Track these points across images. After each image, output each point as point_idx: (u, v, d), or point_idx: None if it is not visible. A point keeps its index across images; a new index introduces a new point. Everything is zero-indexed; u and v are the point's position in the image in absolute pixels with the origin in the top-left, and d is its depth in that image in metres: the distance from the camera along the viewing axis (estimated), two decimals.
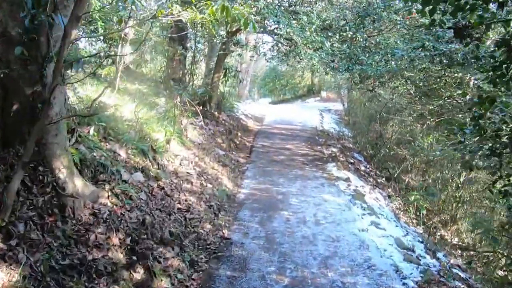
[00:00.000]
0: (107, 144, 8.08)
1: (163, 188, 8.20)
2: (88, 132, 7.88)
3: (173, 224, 7.16)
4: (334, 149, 17.65)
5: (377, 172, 18.14)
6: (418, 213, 13.60)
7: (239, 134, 18.46)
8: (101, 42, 15.23)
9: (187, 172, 9.76)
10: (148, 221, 6.53)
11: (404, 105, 17.39)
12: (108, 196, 6.46)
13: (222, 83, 19.75)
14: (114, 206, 6.35)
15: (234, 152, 15.23)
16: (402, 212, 13.08)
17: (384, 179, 17.22)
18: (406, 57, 11.83)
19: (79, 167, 6.54)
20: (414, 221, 13.05)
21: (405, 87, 16.00)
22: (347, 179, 13.20)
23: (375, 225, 9.67)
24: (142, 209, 6.82)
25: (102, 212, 5.94)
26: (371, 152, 20.10)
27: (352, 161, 17.06)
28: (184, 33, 16.66)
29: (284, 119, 25.39)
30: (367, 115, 21.16)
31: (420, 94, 15.23)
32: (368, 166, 18.08)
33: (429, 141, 12.52)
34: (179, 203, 8.11)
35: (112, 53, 15.12)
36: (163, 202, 7.68)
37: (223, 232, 7.98)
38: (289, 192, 11.15)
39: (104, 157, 7.45)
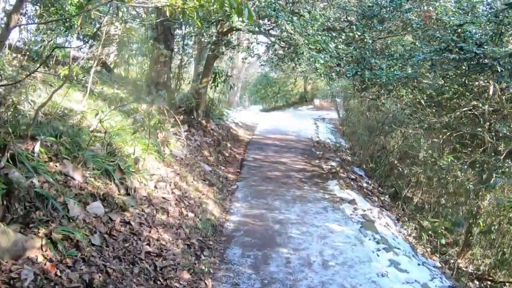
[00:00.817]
0: (58, 164, 6.07)
1: (128, 222, 6.18)
2: (32, 149, 5.90)
3: (136, 280, 5.13)
4: (334, 163, 15.72)
5: (380, 189, 16.22)
6: (431, 238, 11.67)
7: (229, 145, 16.48)
8: (79, 40, 13.39)
9: (164, 198, 7.75)
10: (97, 282, 4.50)
11: (411, 116, 15.46)
12: (42, 246, 4.46)
13: (211, 88, 17.83)
14: (47, 263, 4.34)
15: (222, 167, 13.24)
16: (414, 239, 11.14)
17: (387, 196, 15.31)
18: (427, 61, 9.91)
19: (4, 203, 4.57)
20: (428, 248, 11.11)
21: (411, 96, 14.14)
22: (352, 201, 11.27)
23: (395, 266, 7.78)
24: (91, 262, 4.78)
25: (23, 276, 3.92)
26: (371, 166, 18.19)
27: (353, 177, 15.12)
28: (170, 27, 14.84)
29: (277, 128, 23.45)
30: (367, 125, 19.23)
31: (432, 104, 13.33)
32: (370, 182, 16.15)
33: (449, 159, 10.59)
34: (149, 244, 6.08)
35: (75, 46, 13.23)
36: (126, 245, 5.64)
37: (205, 284, 5.98)
38: (287, 220, 9.19)
39: (49, 184, 5.46)
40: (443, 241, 10.86)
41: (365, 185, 15.12)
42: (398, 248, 9.03)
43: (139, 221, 6.51)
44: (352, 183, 13.85)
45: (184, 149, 11.83)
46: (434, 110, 13.54)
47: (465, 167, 10.93)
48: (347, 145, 21.88)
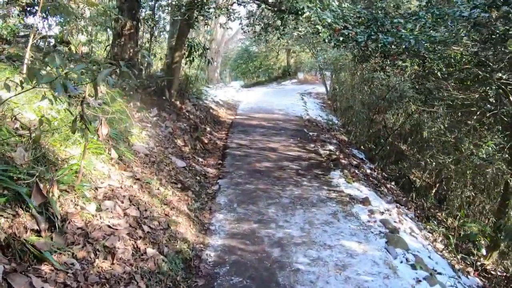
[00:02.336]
0: None
1: None
2: None
3: None
4: (331, 147, 13.07)
5: (384, 174, 13.67)
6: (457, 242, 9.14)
7: (208, 129, 13.72)
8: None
9: (110, 226, 5.01)
10: None
11: (421, 91, 12.83)
12: None
13: (186, 64, 15.03)
14: None
15: (200, 159, 10.51)
16: (445, 247, 8.59)
17: (394, 183, 12.78)
18: (467, 21, 7.19)
19: None
20: (457, 256, 8.56)
21: (416, 67, 11.55)
22: (365, 200, 8.67)
23: None
24: None
25: None
26: (370, 146, 15.60)
27: (355, 162, 12.51)
28: None
29: (261, 106, 20.69)
30: (365, 101, 16.56)
31: (450, 77, 10.71)
32: (373, 167, 13.57)
33: (489, 147, 7.97)
34: None
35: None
36: None
37: None
38: (289, 239, 6.52)
39: None
40: (483, 251, 8.32)
41: (368, 171, 12.56)
42: (439, 273, 6.50)
43: (63, 280, 3.80)
44: (357, 171, 11.22)
45: (151, 140, 9.09)
46: (453, 84, 10.95)
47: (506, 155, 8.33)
48: (339, 122, 19.27)
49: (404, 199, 11.31)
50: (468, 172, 10.08)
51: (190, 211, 7.02)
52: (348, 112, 18.91)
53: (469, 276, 7.69)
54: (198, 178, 8.90)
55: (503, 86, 9.03)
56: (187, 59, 14.66)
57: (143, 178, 6.92)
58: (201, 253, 5.85)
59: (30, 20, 11.10)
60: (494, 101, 10.10)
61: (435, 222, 9.67)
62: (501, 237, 8.59)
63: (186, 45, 14.25)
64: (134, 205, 5.79)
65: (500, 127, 9.88)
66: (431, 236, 8.81)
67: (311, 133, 14.67)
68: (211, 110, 16.48)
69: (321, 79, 29.09)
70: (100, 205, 5.23)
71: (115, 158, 6.57)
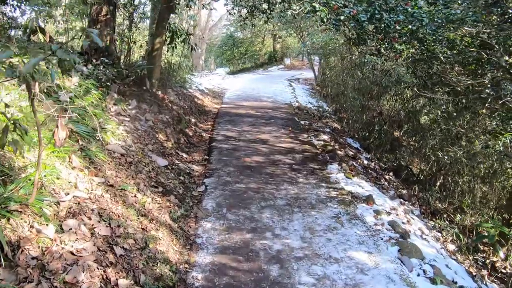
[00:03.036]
0: None
1: None
2: None
3: None
4: (325, 137, 12.11)
5: (381, 164, 12.74)
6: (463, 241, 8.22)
7: (193, 120, 12.67)
8: None
9: (74, 252, 3.99)
10: None
11: (415, 75, 11.85)
12: None
13: (168, 51, 13.98)
14: None
15: (184, 154, 9.48)
16: (458, 250, 7.68)
17: (392, 174, 11.85)
18: None
19: None
20: (469, 257, 7.64)
21: (413, 51, 10.64)
22: (368, 199, 7.73)
23: None
24: None
25: None
26: (364, 134, 14.65)
27: (351, 153, 11.57)
28: None
29: (249, 93, 19.64)
30: (358, 87, 15.55)
31: (454, 61, 9.77)
32: (369, 157, 12.64)
33: (507, 139, 6.99)
34: None
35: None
36: None
37: None
38: (288, 252, 5.54)
39: None
40: (502, 254, 7.39)
41: (366, 162, 11.63)
42: (461, 286, 5.58)
43: None
44: (355, 164, 10.28)
45: (129, 136, 8.05)
46: (456, 69, 10.01)
47: None
48: (330, 109, 18.29)
49: (405, 192, 10.39)
50: (481, 166, 9.11)
51: (173, 221, 6.01)
52: (340, 98, 17.93)
53: (487, 283, 6.80)
54: (181, 178, 7.87)
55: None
56: (169, 45, 13.59)
57: (118, 184, 5.91)
58: (186, 275, 4.84)
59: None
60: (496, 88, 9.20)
61: (445, 221, 8.74)
62: None
63: (167, 30, 13.18)
64: (104, 221, 4.78)
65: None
66: (441, 236, 7.89)
67: (302, 122, 13.69)
68: (195, 100, 15.41)
69: (309, 64, 28.10)
70: (61, 226, 4.22)
71: (77, 166, 5.52)
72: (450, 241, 7.83)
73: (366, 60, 15.52)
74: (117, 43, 13.61)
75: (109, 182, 5.82)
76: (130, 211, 5.49)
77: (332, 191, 7.84)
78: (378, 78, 14.53)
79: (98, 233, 4.46)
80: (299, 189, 7.83)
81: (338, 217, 6.74)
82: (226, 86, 22.05)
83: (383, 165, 12.74)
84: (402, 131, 15.12)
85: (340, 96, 18.00)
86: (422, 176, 10.76)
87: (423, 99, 13.80)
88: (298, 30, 26.12)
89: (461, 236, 7.90)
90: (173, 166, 8.21)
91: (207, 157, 9.54)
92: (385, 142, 14.19)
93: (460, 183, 9.93)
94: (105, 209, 4.99)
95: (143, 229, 5.23)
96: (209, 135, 11.60)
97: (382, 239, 6.21)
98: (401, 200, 9.08)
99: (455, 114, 10.61)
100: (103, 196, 5.32)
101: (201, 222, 6.30)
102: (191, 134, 11.31)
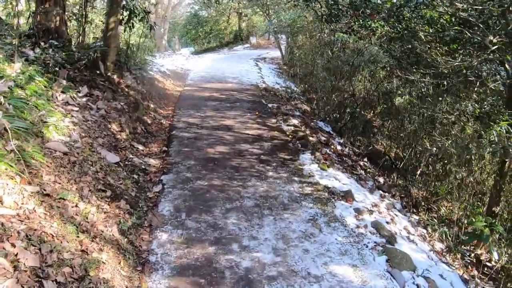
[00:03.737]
0: None
1: None
2: None
3: None
4: (295, 121, 11.14)
5: (355, 149, 11.88)
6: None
7: (152, 105, 11.53)
8: None
9: None
10: None
11: (391, 55, 10.95)
12: None
13: (125, 31, 12.74)
14: None
15: (140, 146, 8.36)
16: (440, 244, 6.86)
17: (366, 159, 10.99)
18: None
19: None
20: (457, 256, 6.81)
21: (386, 29, 9.79)
22: (347, 194, 6.83)
23: None
24: None
25: None
26: (336, 117, 13.73)
27: (324, 138, 10.63)
28: None
29: (213, 74, 18.47)
30: (328, 67, 14.58)
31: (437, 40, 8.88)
32: (342, 141, 11.75)
33: (503, 128, 6.07)
34: None
35: None
36: None
37: None
38: (260, 271, 4.55)
39: None
40: (496, 256, 6.56)
41: (339, 147, 10.73)
42: None
43: None
44: (328, 152, 9.35)
45: (76, 129, 6.91)
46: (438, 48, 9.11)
47: None
48: (298, 89, 17.31)
49: (383, 181, 9.55)
50: (473, 158, 8.24)
51: (122, 234, 4.96)
52: (309, 79, 16.97)
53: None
54: (135, 176, 6.79)
55: (498, 53, 7.22)
56: (126, 25, 12.35)
57: (56, 192, 4.83)
58: None
59: None
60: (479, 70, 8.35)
61: (428, 215, 7.91)
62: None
63: (122, 9, 11.96)
64: (34, 245, 3.72)
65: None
66: (427, 234, 7.04)
67: (270, 105, 12.67)
68: (156, 83, 14.22)
69: (275, 43, 27.05)
70: None
71: (7, 173, 4.42)
72: (437, 238, 6.99)
73: (336, 39, 14.59)
74: (70, 23, 12.33)
75: (45, 190, 4.73)
76: (68, 227, 4.43)
77: (306, 187, 6.89)
78: (349, 58, 13.59)
79: (24, 264, 3.40)
80: (269, 185, 6.84)
81: (315, 220, 5.79)
82: (189, 67, 20.83)
83: (356, 150, 11.90)
84: (375, 113, 14.28)
85: (309, 76, 17.06)
86: (401, 164, 9.90)
87: (397, 80, 12.99)
88: (264, 7, 25.03)
89: (448, 233, 7.07)
90: (126, 162, 7.11)
91: (166, 149, 8.46)
92: (358, 125, 13.35)
93: (437, 168, 9.09)
94: (35, 229, 3.92)
95: (83, 251, 4.18)
96: (169, 122, 10.49)
97: (367, 246, 5.29)
98: (381, 192, 8.20)
99: (434, 96, 9.76)
100: (35, 211, 4.25)
101: (156, 233, 5.27)
102: (149, 122, 10.19)
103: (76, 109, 7.79)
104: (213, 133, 9.48)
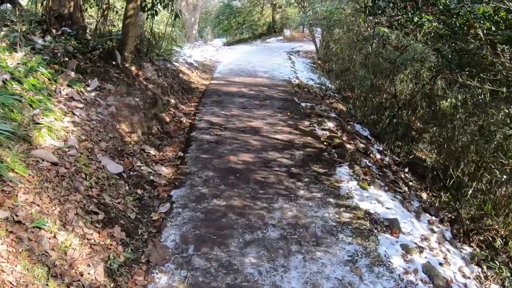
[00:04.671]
0: None
1: None
2: None
3: None
4: (330, 124, 9.86)
5: (394, 156, 10.56)
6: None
7: (173, 101, 10.38)
8: None
9: None
10: None
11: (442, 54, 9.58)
12: None
13: (147, 18, 11.66)
14: None
15: (152, 151, 7.21)
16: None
17: (407, 170, 9.68)
18: None
19: None
20: None
21: (435, 24, 8.49)
22: (392, 224, 5.56)
23: None
24: None
25: None
26: (374, 119, 12.37)
27: (362, 145, 9.35)
28: None
29: (243, 66, 17.24)
30: (367, 64, 13.21)
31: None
32: (381, 148, 10.44)
33: None
34: None
35: None
36: None
37: None
38: None
39: None
40: None
41: (378, 156, 9.43)
42: None
43: None
44: (368, 164, 8.08)
45: (75, 131, 5.81)
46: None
47: None
48: (333, 86, 15.98)
49: (425, 196, 8.25)
50: None
51: (109, 277, 3.83)
52: (345, 75, 15.63)
53: None
54: (139, 191, 5.64)
55: None
56: (148, 12, 11.26)
57: (30, 219, 3.75)
58: None
59: None
60: None
61: (482, 247, 6.60)
62: None
63: None
64: None
65: None
66: (481, 272, 5.74)
67: (303, 104, 11.39)
68: (180, 75, 13.06)
69: (309, 36, 25.69)
70: None
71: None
72: (492, 279, 5.68)
73: (376, 34, 13.21)
74: (91, 9, 11.28)
75: (16, 216, 3.65)
76: (36, 271, 3.33)
77: (344, 212, 5.64)
78: (391, 55, 12.21)
79: None
80: (299, 208, 5.61)
81: (354, 262, 4.55)
82: (219, 59, 19.64)
83: (396, 158, 10.58)
84: (417, 117, 12.87)
85: (346, 73, 15.70)
86: (452, 181, 8.53)
87: (442, 82, 11.63)
88: None
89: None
90: (131, 173, 5.96)
91: (182, 154, 7.29)
92: (398, 129, 11.99)
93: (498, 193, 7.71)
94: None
95: None
96: (190, 121, 9.32)
97: None
98: (428, 215, 6.92)
99: (491, 105, 8.39)
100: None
101: (154, 274, 4.11)
102: (167, 120, 9.06)
103: (81, 105, 6.71)
104: (237, 137, 8.27)
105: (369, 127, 11.92)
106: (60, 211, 4.25)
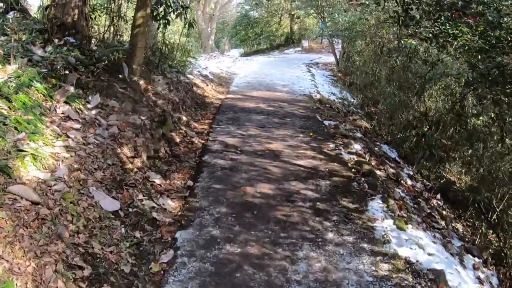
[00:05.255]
0: None
1: None
2: None
3: None
4: (357, 146, 8.89)
5: (425, 181, 9.58)
6: None
7: (185, 118, 9.48)
8: None
9: None
10: None
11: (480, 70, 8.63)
12: None
13: (158, 29, 10.87)
14: None
15: (157, 179, 6.26)
16: None
17: (439, 196, 8.73)
18: None
19: None
20: None
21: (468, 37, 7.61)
22: (438, 277, 4.56)
23: None
24: None
25: None
26: (402, 138, 11.34)
27: (392, 170, 8.39)
28: None
29: (261, 79, 16.34)
30: (394, 79, 12.22)
31: None
32: (412, 173, 9.45)
33: None
34: None
35: None
36: None
37: None
38: None
39: None
40: None
41: (409, 182, 8.45)
42: None
43: None
44: (402, 194, 7.10)
45: (68, 158, 4.93)
46: None
47: None
48: (355, 101, 15.02)
49: (460, 228, 7.28)
50: None
51: None
52: (369, 90, 14.64)
53: None
54: (138, 234, 4.70)
55: None
56: (160, 21, 10.44)
57: None
58: None
59: None
60: None
61: None
62: None
63: (156, 3, 10.09)
64: None
65: None
66: None
67: (327, 123, 10.43)
68: (194, 88, 12.18)
69: (328, 47, 24.79)
70: None
71: None
72: None
73: (404, 46, 12.23)
74: (100, 18, 10.47)
75: None
76: None
77: (381, 263, 4.65)
78: (420, 69, 11.22)
79: None
80: (328, 258, 4.63)
81: None
82: (236, 70, 18.76)
83: (427, 182, 9.59)
84: (447, 136, 11.82)
85: (369, 87, 14.71)
86: (495, 214, 7.51)
87: (472, 98, 10.67)
88: (319, 9, 22.81)
89: None
90: (129, 209, 5.04)
91: (192, 183, 6.36)
92: (433, 151, 11.00)
93: None
94: None
95: None
96: (202, 142, 8.41)
97: None
98: (472, 259, 5.94)
99: None
100: None
101: None
102: (178, 141, 8.15)
103: (78, 126, 5.85)
104: (255, 162, 7.33)
105: (396, 147, 10.92)
106: (35, 268, 3.37)
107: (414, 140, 10.92)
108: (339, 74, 20.27)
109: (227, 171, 6.86)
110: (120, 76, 8.46)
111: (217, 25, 32.28)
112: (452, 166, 10.84)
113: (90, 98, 6.91)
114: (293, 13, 32.44)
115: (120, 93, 7.81)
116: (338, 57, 21.78)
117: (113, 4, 10.42)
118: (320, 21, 24.67)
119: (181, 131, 8.68)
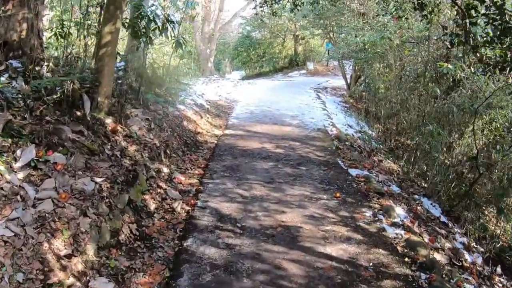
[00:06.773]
0: None
1: None
2: None
3: None
4: (400, 211, 6.33)
5: (479, 247, 7.04)
6: None
7: (166, 170, 6.90)
8: None
9: None
10: None
11: None
12: None
13: (137, 49, 8.44)
14: None
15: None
16: None
17: (500, 270, 6.20)
18: None
19: None
20: None
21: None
22: None
23: None
24: None
25: None
26: (447, 188, 8.71)
27: (449, 245, 5.84)
28: None
29: (265, 108, 13.82)
30: (431, 112, 9.70)
31: None
32: (466, 242, 6.88)
33: None
34: None
35: None
36: None
37: None
38: None
39: None
40: None
41: (468, 258, 5.93)
42: None
43: None
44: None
45: None
46: None
47: None
48: (373, 132, 12.53)
49: None
50: None
51: None
52: (394, 121, 12.14)
53: None
54: None
55: None
56: (141, 40, 8.04)
57: None
58: None
59: None
60: None
61: None
62: None
63: (139, 18, 7.71)
64: None
65: None
66: None
67: (353, 172, 7.86)
68: (185, 123, 9.62)
69: (334, 70, 22.48)
70: None
71: None
72: None
73: (441, 71, 9.73)
74: (46, 33, 8.09)
75: None
76: None
77: None
78: (465, 100, 8.72)
79: None
80: None
81: None
82: (236, 97, 16.24)
83: (480, 248, 7.05)
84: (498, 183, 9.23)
85: (394, 119, 12.19)
86: None
87: None
88: (327, 28, 20.47)
89: None
90: None
91: None
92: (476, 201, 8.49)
93: None
94: None
95: None
96: (187, 209, 5.84)
97: None
98: None
99: None
100: None
101: None
102: (152, 208, 5.59)
103: None
104: (262, 253, 4.73)
105: (438, 199, 8.36)
106: None
107: (462, 191, 8.37)
108: (351, 100, 17.80)
109: (219, 272, 4.27)
110: (79, 113, 6.00)
111: (217, 46, 29.90)
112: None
113: (19, 152, 4.42)
114: (297, 33, 30.12)
115: (71, 140, 5.30)
116: (348, 81, 19.33)
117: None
118: (327, 41, 22.32)
119: (159, 191, 6.12)
